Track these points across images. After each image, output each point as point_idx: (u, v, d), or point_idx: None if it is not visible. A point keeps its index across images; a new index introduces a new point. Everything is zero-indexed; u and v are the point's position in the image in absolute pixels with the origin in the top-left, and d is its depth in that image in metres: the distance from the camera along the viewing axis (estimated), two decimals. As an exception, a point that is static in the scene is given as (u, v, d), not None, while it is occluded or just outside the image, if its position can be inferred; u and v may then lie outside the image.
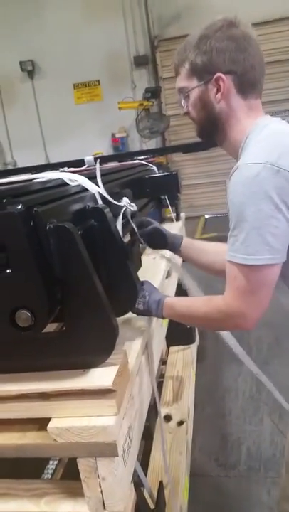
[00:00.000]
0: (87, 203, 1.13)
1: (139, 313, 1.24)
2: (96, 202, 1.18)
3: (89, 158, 2.14)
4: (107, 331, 0.93)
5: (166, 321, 1.70)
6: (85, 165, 1.94)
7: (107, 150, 8.28)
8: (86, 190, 1.19)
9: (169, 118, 7.70)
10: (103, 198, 1.22)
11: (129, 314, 1.23)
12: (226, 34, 1.14)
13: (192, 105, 1.23)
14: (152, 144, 8.18)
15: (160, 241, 1.51)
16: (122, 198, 1.30)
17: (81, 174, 1.25)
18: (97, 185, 1.22)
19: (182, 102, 1.26)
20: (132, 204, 1.31)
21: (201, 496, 2.07)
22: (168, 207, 2.58)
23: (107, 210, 1.08)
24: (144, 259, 1.73)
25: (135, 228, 1.37)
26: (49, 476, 1.93)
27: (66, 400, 0.92)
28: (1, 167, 8.72)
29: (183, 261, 1.84)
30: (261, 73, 1.19)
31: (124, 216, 1.30)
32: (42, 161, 8.28)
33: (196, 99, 1.21)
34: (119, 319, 1.07)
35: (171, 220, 2.70)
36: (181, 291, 2.50)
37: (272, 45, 7.23)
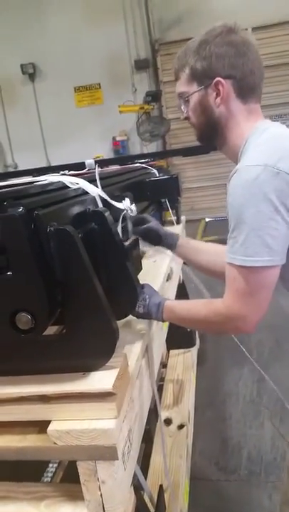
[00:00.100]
0: (88, 206, 1.14)
1: (139, 316, 1.24)
2: (96, 205, 1.18)
3: (89, 162, 2.14)
4: (107, 334, 0.93)
5: (166, 324, 1.70)
6: (85, 168, 1.94)
7: (107, 153, 8.30)
8: (87, 193, 1.19)
9: (169, 121, 7.71)
10: (104, 201, 1.22)
11: (130, 317, 1.23)
12: (226, 40, 1.15)
13: (192, 110, 1.24)
14: (153, 147, 8.19)
15: (154, 239, 1.52)
16: (123, 200, 1.31)
17: (82, 177, 1.25)
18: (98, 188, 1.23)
19: (182, 107, 1.27)
20: (132, 207, 1.31)
21: (201, 500, 2.07)
22: (168, 210, 2.58)
23: (107, 214, 1.08)
24: (144, 262, 1.73)
25: (130, 225, 1.37)
26: (49, 479, 1.92)
27: (66, 403, 0.91)
28: (1, 169, 8.74)
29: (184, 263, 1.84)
30: (260, 78, 1.20)
31: (124, 219, 1.30)
32: (43, 164, 8.28)
33: (196, 104, 1.22)
34: (120, 322, 1.07)
35: (171, 223, 2.70)
36: (181, 294, 2.50)
37: (272, 49, 7.26)
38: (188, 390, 2.54)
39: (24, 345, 0.92)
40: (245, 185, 1.03)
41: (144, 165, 2.65)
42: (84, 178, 1.23)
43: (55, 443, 0.90)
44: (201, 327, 1.25)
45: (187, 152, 3.65)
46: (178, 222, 2.72)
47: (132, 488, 1.05)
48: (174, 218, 2.67)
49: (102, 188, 1.23)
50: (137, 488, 1.15)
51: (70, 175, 1.32)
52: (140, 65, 8.13)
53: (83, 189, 1.19)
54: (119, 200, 1.33)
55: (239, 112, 1.20)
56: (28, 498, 1.02)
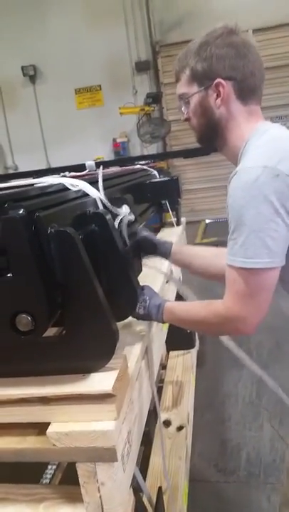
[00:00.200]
0: (88, 208, 1.14)
1: (139, 317, 1.24)
2: (97, 207, 1.19)
3: (90, 163, 2.14)
4: (107, 336, 0.93)
5: (166, 326, 1.70)
6: (86, 170, 1.94)
7: (108, 155, 8.31)
8: (87, 195, 1.19)
9: (170, 123, 7.72)
10: (104, 204, 1.22)
11: (129, 319, 1.23)
12: (226, 41, 1.15)
13: (192, 111, 1.24)
14: (153, 148, 8.20)
15: (150, 248, 1.52)
16: (122, 205, 1.30)
17: (82, 179, 1.25)
18: (98, 191, 1.23)
19: (182, 108, 1.27)
20: (131, 213, 1.31)
21: (201, 501, 2.07)
22: (169, 212, 2.58)
23: (108, 216, 1.08)
24: (144, 263, 1.73)
25: (126, 238, 1.36)
26: (47, 480, 1.92)
27: (66, 405, 0.92)
28: (1, 171, 8.74)
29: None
30: (261, 79, 1.20)
31: (121, 224, 1.30)
32: (43, 166, 8.30)
33: (197, 105, 1.22)
34: (119, 324, 1.07)
35: (171, 224, 2.71)
36: (181, 295, 2.50)
37: (272, 50, 7.28)
38: (187, 392, 2.54)
39: (24, 346, 0.92)
40: (245, 187, 1.03)
41: (144, 166, 2.66)
42: (84, 180, 1.24)
43: (54, 445, 0.90)
44: (201, 328, 1.25)
45: (188, 154, 3.65)
46: (178, 223, 2.72)
47: (131, 489, 1.05)
48: (174, 220, 2.67)
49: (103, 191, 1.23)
50: (136, 489, 1.15)
51: (70, 177, 1.32)
52: (141, 67, 8.15)
53: (84, 191, 1.20)
54: (120, 201, 1.33)
55: (239, 114, 1.20)
56: (27, 500, 1.03)
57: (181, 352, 2.93)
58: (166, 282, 1.64)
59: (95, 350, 0.93)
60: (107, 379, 0.92)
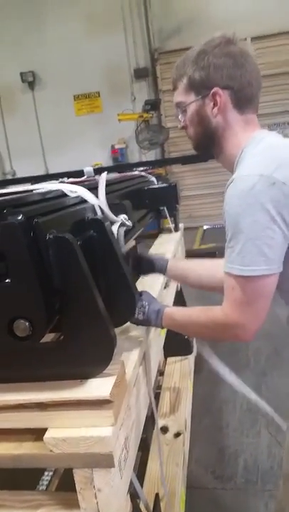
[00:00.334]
0: (87, 214, 1.14)
1: (138, 323, 1.24)
2: (95, 213, 1.19)
3: (88, 169, 2.15)
4: (105, 342, 0.93)
5: (163, 332, 1.70)
6: (84, 176, 1.95)
7: (106, 161, 8.33)
8: (85, 201, 1.20)
9: (168, 130, 7.75)
10: (102, 210, 1.23)
11: (127, 324, 1.24)
12: (224, 51, 1.16)
13: (189, 119, 1.25)
14: (151, 155, 8.22)
15: (148, 265, 1.54)
16: (120, 211, 1.31)
17: (81, 185, 1.26)
18: (97, 197, 1.23)
19: (179, 117, 1.28)
20: (128, 221, 1.31)
21: (198, 508, 2.06)
22: (167, 218, 2.59)
23: (106, 222, 1.09)
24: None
25: (123, 244, 1.36)
26: (44, 487, 1.91)
27: (63, 410, 0.92)
28: (0, 177, 8.75)
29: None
30: (258, 89, 1.22)
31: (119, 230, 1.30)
32: (41, 172, 8.32)
33: (194, 114, 1.23)
34: (117, 329, 1.08)
35: (169, 230, 2.72)
36: (179, 301, 2.50)
37: (271, 58, 7.34)
38: (185, 398, 2.54)
39: (22, 352, 0.92)
40: (241, 195, 1.04)
41: (142, 173, 2.67)
42: (83, 186, 1.24)
43: (51, 450, 0.90)
44: (200, 334, 1.26)
45: (186, 160, 3.67)
46: (176, 229, 2.73)
47: (129, 496, 1.05)
48: (172, 226, 2.68)
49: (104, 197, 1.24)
50: (133, 496, 1.14)
51: (68, 182, 1.33)
52: (139, 74, 8.18)
53: (82, 197, 1.20)
54: (118, 208, 1.33)
55: (236, 123, 1.21)
56: (23, 507, 1.02)
57: (178, 358, 2.93)
58: (165, 288, 1.64)
59: (92, 356, 0.93)
60: (104, 385, 0.92)
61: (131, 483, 1.08)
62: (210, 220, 7.87)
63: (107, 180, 1.29)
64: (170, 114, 7.98)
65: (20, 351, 0.92)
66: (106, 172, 1.44)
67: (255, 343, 3.46)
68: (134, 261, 1.50)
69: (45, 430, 0.92)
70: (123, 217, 1.30)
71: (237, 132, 1.21)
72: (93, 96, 8.50)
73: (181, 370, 2.83)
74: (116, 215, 1.27)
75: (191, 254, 3.88)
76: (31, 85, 8.55)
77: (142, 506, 1.25)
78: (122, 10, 7.89)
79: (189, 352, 3.01)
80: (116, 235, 1.22)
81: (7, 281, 0.85)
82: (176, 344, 2.80)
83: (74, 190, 1.20)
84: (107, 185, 1.64)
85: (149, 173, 2.74)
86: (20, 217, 0.83)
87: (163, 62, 8.01)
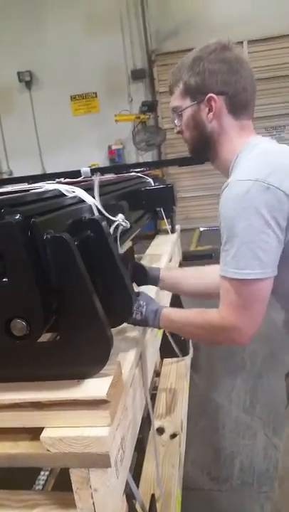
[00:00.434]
0: (84, 214, 1.14)
1: (136, 323, 1.25)
2: (93, 213, 1.19)
3: (85, 170, 2.15)
4: (102, 342, 0.93)
5: (160, 333, 1.70)
6: (81, 176, 1.95)
7: (103, 161, 8.32)
8: (83, 201, 1.20)
9: (165, 131, 7.76)
10: (99, 211, 1.23)
11: (124, 325, 1.24)
12: (219, 57, 1.18)
13: (185, 124, 1.27)
14: (148, 156, 8.23)
15: (141, 275, 1.53)
16: (117, 212, 1.31)
17: (78, 185, 1.26)
18: (94, 197, 1.23)
19: (175, 121, 1.30)
20: (126, 221, 1.31)
21: (193, 509, 2.06)
22: (163, 219, 2.60)
23: (103, 222, 1.09)
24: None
25: (119, 245, 1.36)
26: (40, 487, 1.91)
27: (60, 410, 0.92)
28: (-3, 176, 8.74)
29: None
30: (252, 94, 1.24)
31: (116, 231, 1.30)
32: (38, 171, 8.30)
33: (189, 119, 1.25)
34: (113, 330, 1.08)
35: (166, 232, 2.72)
36: (175, 302, 2.51)
37: (267, 61, 7.36)
38: (181, 399, 2.54)
39: (19, 351, 0.92)
40: (236, 199, 1.05)
41: (139, 174, 2.67)
42: (80, 187, 1.24)
43: (48, 450, 0.90)
44: (196, 336, 1.26)
45: (183, 162, 3.67)
46: (173, 231, 2.73)
47: (125, 496, 1.05)
48: (168, 227, 2.69)
49: (98, 197, 1.24)
50: (129, 496, 1.15)
51: (65, 183, 1.33)
52: (137, 75, 8.19)
53: (79, 197, 1.20)
54: (115, 208, 1.34)
55: (231, 128, 1.23)
56: (19, 506, 1.02)
57: (174, 359, 2.93)
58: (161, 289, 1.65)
59: (89, 356, 0.93)
60: (101, 385, 0.92)
61: (127, 483, 1.08)
62: (206, 222, 7.88)
63: (104, 181, 1.30)
64: (167, 116, 7.99)
65: (17, 351, 0.92)
66: (99, 173, 1.45)
67: (252, 345, 3.46)
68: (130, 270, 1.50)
69: (41, 430, 0.92)
70: (120, 217, 1.30)
71: (232, 137, 1.23)
72: (90, 96, 8.49)
73: (177, 371, 2.83)
74: (113, 215, 1.27)
75: (187, 255, 3.88)
76: (28, 85, 8.54)
77: (137, 507, 1.25)
78: (120, 11, 7.89)
79: (186, 353, 3.02)
80: (114, 233, 1.22)
81: (4, 280, 0.85)
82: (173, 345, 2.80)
83: (71, 190, 1.20)
84: (104, 186, 1.65)
85: (146, 175, 2.74)
86: (17, 217, 0.83)
87: (160, 64, 8.01)
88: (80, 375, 0.95)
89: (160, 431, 2.24)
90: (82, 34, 8.02)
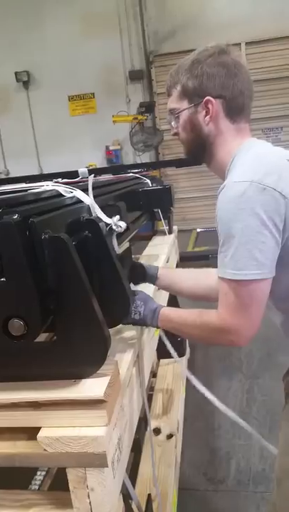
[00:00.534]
0: (82, 214, 1.15)
1: (134, 322, 1.25)
2: (90, 214, 1.20)
3: (83, 170, 2.15)
4: (99, 342, 0.93)
5: (157, 333, 1.70)
6: (78, 176, 1.95)
7: (100, 162, 8.33)
8: (81, 201, 1.20)
9: (162, 132, 7.77)
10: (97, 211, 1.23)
11: (121, 325, 1.24)
12: (217, 60, 1.19)
13: (182, 126, 1.28)
14: (146, 157, 8.24)
15: (140, 274, 1.52)
16: (115, 212, 1.31)
17: (75, 186, 1.26)
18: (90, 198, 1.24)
19: (172, 123, 1.31)
20: (121, 223, 1.31)
21: (189, 509, 2.06)
22: (161, 220, 2.60)
23: (101, 222, 1.09)
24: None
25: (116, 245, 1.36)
26: (36, 487, 1.91)
27: (57, 410, 0.92)
28: (-6, 177, 8.73)
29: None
30: (249, 99, 1.25)
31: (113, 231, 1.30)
32: (35, 171, 8.31)
33: (186, 121, 1.26)
34: (111, 330, 1.08)
35: (163, 232, 2.73)
36: (172, 302, 2.51)
37: (266, 63, 7.39)
38: (177, 400, 2.54)
39: (16, 351, 0.92)
40: (232, 200, 1.06)
41: (137, 175, 2.68)
42: (77, 187, 1.25)
43: (45, 450, 0.90)
44: (195, 336, 1.26)
45: (181, 163, 3.68)
46: (170, 232, 2.74)
47: (121, 496, 1.05)
48: (166, 228, 2.69)
49: (95, 197, 1.24)
50: (126, 496, 1.15)
51: (62, 183, 1.33)
52: (134, 76, 8.20)
53: (77, 198, 1.21)
54: (113, 209, 1.34)
55: (227, 131, 1.24)
56: (16, 506, 1.02)
57: (171, 360, 2.93)
58: (158, 289, 1.65)
59: (87, 356, 0.94)
60: (98, 385, 0.92)
61: (123, 483, 1.08)
62: (203, 223, 7.89)
63: (101, 182, 1.30)
64: (164, 117, 8.00)
65: (14, 350, 0.92)
66: (93, 174, 1.45)
67: (249, 345, 3.47)
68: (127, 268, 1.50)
69: (38, 429, 0.92)
70: (116, 218, 1.30)
71: (228, 140, 1.24)
72: (88, 97, 8.50)
73: (174, 371, 2.84)
74: (110, 216, 1.27)
75: (184, 256, 3.88)
76: (26, 85, 8.54)
77: (134, 507, 1.25)
78: (118, 12, 7.90)
79: (182, 354, 3.02)
80: (112, 233, 1.22)
81: (2, 280, 0.85)
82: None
83: (69, 190, 1.20)
84: (102, 187, 1.65)
85: (144, 176, 2.75)
86: (16, 217, 0.83)
87: (158, 65, 8.03)
88: (77, 374, 0.95)
89: (156, 431, 2.24)
90: (80, 34, 8.02)
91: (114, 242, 1.28)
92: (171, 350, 1.52)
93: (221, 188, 1.12)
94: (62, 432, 0.90)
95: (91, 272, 1.01)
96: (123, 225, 1.32)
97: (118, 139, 8.38)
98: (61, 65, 8.19)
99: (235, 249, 1.05)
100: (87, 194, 1.23)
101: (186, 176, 7.90)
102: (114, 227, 1.24)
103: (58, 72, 8.25)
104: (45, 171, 8.04)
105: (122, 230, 1.30)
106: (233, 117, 1.23)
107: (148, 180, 2.64)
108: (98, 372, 0.95)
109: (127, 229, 1.38)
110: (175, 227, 2.92)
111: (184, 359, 3.04)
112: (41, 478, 1.95)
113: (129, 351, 1.19)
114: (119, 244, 1.35)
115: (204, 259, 5.05)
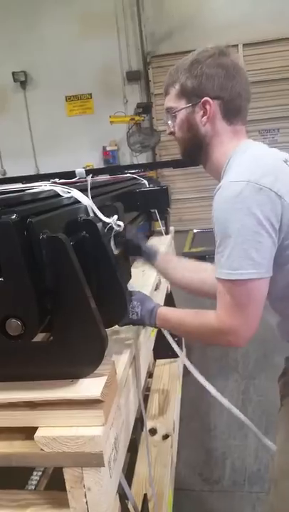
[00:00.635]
0: (80, 214, 1.15)
1: (132, 323, 1.25)
2: (88, 214, 1.20)
3: (80, 171, 2.15)
4: (96, 342, 0.94)
5: (154, 333, 1.71)
6: (76, 177, 1.95)
7: (97, 162, 8.32)
8: (78, 202, 1.21)
9: (159, 133, 7.76)
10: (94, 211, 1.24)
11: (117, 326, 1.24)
12: (217, 61, 1.20)
13: (178, 125, 1.28)
14: (143, 158, 8.23)
15: (134, 250, 1.52)
16: (112, 213, 1.32)
17: (73, 186, 1.27)
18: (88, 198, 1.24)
19: (169, 122, 1.31)
20: (120, 223, 1.32)
21: (185, 510, 2.06)
22: (158, 220, 2.60)
23: (99, 223, 1.10)
24: (133, 271, 1.75)
25: (114, 246, 1.36)
26: (33, 487, 1.91)
27: (54, 410, 0.92)
28: (-9, 176, 8.71)
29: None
30: (247, 101, 1.26)
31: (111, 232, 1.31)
32: (32, 171, 8.28)
33: (183, 120, 1.26)
34: (108, 330, 1.08)
35: (160, 233, 2.73)
36: (169, 303, 2.51)
37: (263, 65, 7.38)
38: (173, 400, 2.55)
39: (13, 351, 0.93)
40: (229, 200, 1.06)
41: (134, 175, 2.68)
42: (75, 187, 1.25)
43: (42, 449, 0.90)
44: (193, 337, 1.27)
45: (178, 164, 3.68)
46: (167, 232, 2.74)
47: (118, 496, 1.06)
48: (163, 229, 2.69)
49: (93, 197, 1.25)
50: (122, 496, 1.15)
51: (60, 183, 1.33)
52: (132, 77, 8.19)
53: (75, 198, 1.21)
54: (110, 209, 1.34)
55: (224, 132, 1.24)
56: (13, 506, 1.02)
57: (168, 360, 2.94)
58: (155, 290, 1.65)
59: (84, 356, 0.94)
60: (95, 385, 0.92)
61: (119, 483, 1.08)
62: (200, 224, 7.90)
63: (99, 182, 1.30)
64: (162, 118, 7.99)
65: (11, 350, 0.92)
66: (91, 175, 1.45)
67: (245, 347, 3.47)
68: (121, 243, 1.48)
69: (35, 429, 0.92)
70: (114, 218, 1.30)
71: (224, 142, 1.24)
72: (85, 97, 8.49)
73: (170, 372, 2.84)
74: (108, 216, 1.28)
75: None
76: (23, 85, 8.51)
77: (130, 507, 1.25)
78: (116, 13, 7.90)
79: (178, 354, 3.02)
80: (109, 234, 1.23)
81: (0, 280, 0.85)
82: (166, 346, 2.80)
83: (67, 190, 1.21)
84: (99, 187, 1.65)
85: (141, 176, 2.75)
86: (14, 217, 0.83)
87: (155, 66, 8.02)
88: (74, 374, 0.96)
89: (152, 431, 2.24)
90: (77, 35, 8.01)
91: (112, 242, 1.28)
92: (174, 345, 1.51)
93: (216, 189, 1.13)
94: (59, 431, 0.90)
95: (89, 272, 1.01)
96: (122, 224, 1.33)
97: (115, 140, 8.37)
98: (58, 66, 8.18)
99: (232, 249, 1.05)
100: (85, 194, 1.23)
101: (182, 176, 7.90)
102: (114, 226, 1.24)
103: (55, 72, 8.24)
104: (42, 171, 8.01)
105: (122, 230, 1.31)
106: (230, 119, 1.24)
107: (145, 181, 2.64)
108: (95, 372, 0.96)
109: (124, 229, 1.38)
110: (172, 228, 2.92)
111: (183, 355, 3.04)
112: (37, 478, 1.95)
113: (126, 351, 1.20)
114: (116, 244, 1.36)
115: (201, 259, 5.04)
